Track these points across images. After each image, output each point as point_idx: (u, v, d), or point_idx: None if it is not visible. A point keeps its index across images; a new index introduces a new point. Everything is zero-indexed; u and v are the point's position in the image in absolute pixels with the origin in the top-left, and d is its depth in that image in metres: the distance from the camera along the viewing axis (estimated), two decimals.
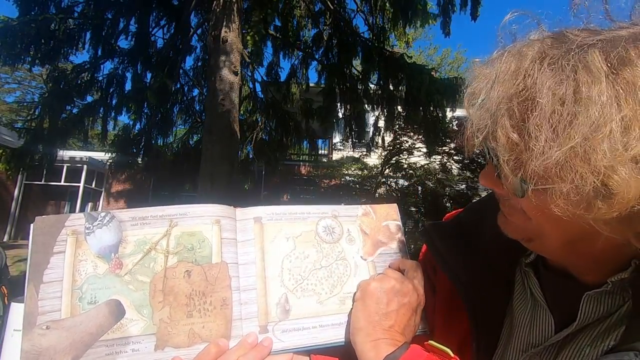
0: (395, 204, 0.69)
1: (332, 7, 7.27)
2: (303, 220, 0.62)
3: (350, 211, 0.65)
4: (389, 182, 9.87)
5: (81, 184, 13.21)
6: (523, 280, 0.57)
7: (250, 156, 8.62)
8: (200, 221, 0.55)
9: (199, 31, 7.93)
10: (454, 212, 0.69)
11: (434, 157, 9.07)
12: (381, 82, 7.17)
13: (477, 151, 0.48)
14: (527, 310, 0.54)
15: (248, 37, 5.17)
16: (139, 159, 8.23)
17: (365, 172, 9.92)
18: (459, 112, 8.62)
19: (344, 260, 0.61)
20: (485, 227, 0.58)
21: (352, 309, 0.56)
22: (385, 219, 0.66)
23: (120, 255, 0.52)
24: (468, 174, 9.35)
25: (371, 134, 8.63)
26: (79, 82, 7.18)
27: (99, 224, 0.53)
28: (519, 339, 0.54)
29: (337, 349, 0.57)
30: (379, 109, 7.53)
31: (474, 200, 0.68)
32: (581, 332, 0.47)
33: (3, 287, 1.07)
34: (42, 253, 0.50)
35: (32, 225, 0.52)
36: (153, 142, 8.21)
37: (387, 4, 7.19)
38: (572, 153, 0.34)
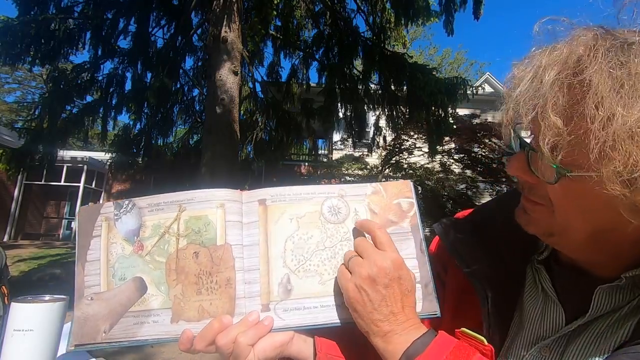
0: (409, 181, 0.64)
1: (332, 7, 7.27)
2: (308, 201, 0.61)
3: (358, 190, 0.62)
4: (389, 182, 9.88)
5: (81, 184, 13.22)
6: (534, 276, 0.58)
7: (251, 156, 8.63)
8: (205, 205, 0.58)
9: (199, 31, 7.94)
10: (466, 211, 0.70)
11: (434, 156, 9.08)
12: (382, 81, 7.18)
13: (508, 140, 0.48)
14: (538, 305, 0.55)
15: (249, 40, 5.17)
16: (139, 159, 8.25)
17: (366, 171, 9.93)
18: (460, 111, 8.63)
19: (349, 241, 0.59)
20: (496, 225, 0.60)
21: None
22: (397, 196, 0.62)
23: (141, 238, 0.58)
24: (468, 173, 9.35)
25: (372, 133, 8.64)
26: (79, 82, 7.19)
27: (124, 210, 0.60)
28: (528, 332, 0.55)
29: (341, 330, 0.57)
30: (380, 108, 7.54)
31: (487, 200, 0.68)
32: (590, 324, 0.49)
33: (3, 287, 1.07)
34: (85, 237, 0.59)
35: (77, 213, 0.61)
36: (153, 142, 8.22)
37: (387, 4, 7.20)
38: (626, 133, 0.36)
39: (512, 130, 0.49)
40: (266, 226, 0.59)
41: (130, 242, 0.58)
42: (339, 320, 0.56)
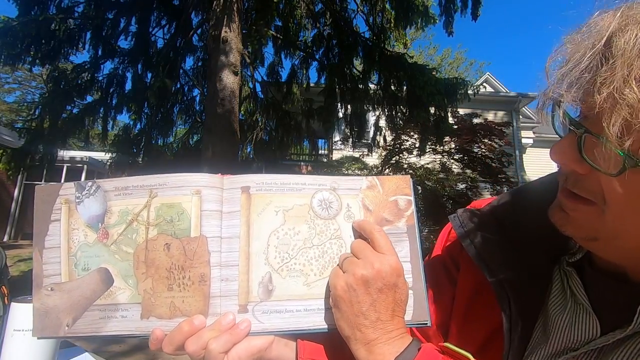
0: (409, 176, 0.59)
1: (332, 7, 7.27)
2: (297, 192, 0.55)
3: (352, 183, 0.57)
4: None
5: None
6: (562, 280, 0.51)
7: (251, 156, 8.63)
8: (179, 192, 0.52)
9: (199, 31, 7.94)
10: (482, 200, 0.62)
11: (434, 157, 9.08)
12: (382, 81, 7.19)
13: (555, 123, 0.40)
14: (566, 313, 0.49)
15: (254, 41, 5.17)
16: (139, 159, 8.24)
17: (366, 172, 9.93)
18: (460, 111, 8.64)
19: (339, 239, 0.54)
20: (523, 221, 0.53)
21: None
22: (395, 193, 0.57)
23: (106, 225, 0.53)
24: (468, 173, 9.35)
25: (372, 133, 8.64)
26: (79, 82, 7.19)
27: (86, 193, 0.54)
28: (554, 342, 0.48)
29: (328, 335, 0.53)
30: (380, 108, 7.54)
31: (509, 190, 0.61)
32: (629, 339, 0.42)
33: (3, 287, 1.07)
34: (42, 220, 0.54)
35: (35, 193, 0.55)
36: (153, 142, 8.21)
37: (387, 5, 7.20)
38: None
39: (558, 108, 0.40)
40: (248, 217, 0.53)
41: (94, 229, 0.53)
42: (324, 326, 0.52)
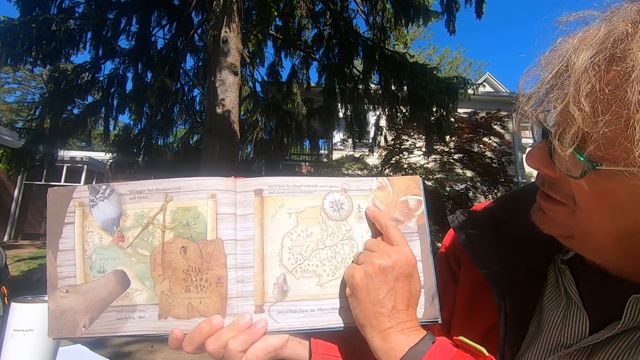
0: (418, 177, 0.60)
1: (332, 7, 7.27)
2: (308, 194, 0.56)
3: (363, 184, 0.58)
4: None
5: (81, 184, 13.17)
6: (557, 277, 0.53)
7: (251, 156, 8.64)
8: (194, 196, 0.54)
9: (199, 31, 7.94)
10: (483, 203, 0.65)
11: (434, 156, 9.08)
12: (382, 81, 7.18)
13: (528, 131, 0.44)
14: (559, 309, 0.50)
15: (251, 37, 5.16)
16: (140, 159, 8.24)
17: (366, 172, 9.93)
18: (460, 110, 8.63)
19: (350, 240, 0.56)
20: (519, 221, 0.55)
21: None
22: (405, 193, 0.58)
23: (121, 228, 0.54)
24: (468, 174, 9.35)
25: (372, 133, 8.64)
26: (80, 82, 7.19)
27: (100, 196, 0.55)
28: (547, 338, 0.50)
29: (342, 335, 0.55)
30: (380, 108, 7.54)
31: (507, 193, 0.65)
32: (618, 337, 0.43)
33: (3, 287, 1.07)
34: (55, 222, 0.54)
35: (47, 196, 0.55)
36: (153, 142, 8.22)
37: (388, 4, 7.20)
38: None
39: (533, 118, 0.43)
40: (262, 220, 0.54)
41: (109, 231, 0.53)
42: (337, 325, 0.53)
